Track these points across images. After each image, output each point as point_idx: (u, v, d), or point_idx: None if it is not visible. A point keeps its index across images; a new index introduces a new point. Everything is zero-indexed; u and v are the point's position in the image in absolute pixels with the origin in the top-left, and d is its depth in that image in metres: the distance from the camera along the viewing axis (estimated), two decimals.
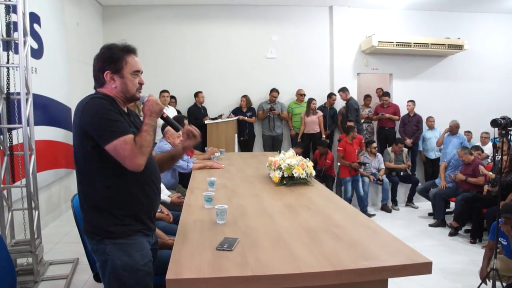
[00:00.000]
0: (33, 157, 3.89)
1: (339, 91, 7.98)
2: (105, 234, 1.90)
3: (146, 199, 2.01)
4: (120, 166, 1.83)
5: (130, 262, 1.90)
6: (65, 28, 6.06)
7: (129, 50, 1.98)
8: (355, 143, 6.78)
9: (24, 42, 3.75)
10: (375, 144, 7.17)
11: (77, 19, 6.67)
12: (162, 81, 7.72)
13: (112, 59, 1.94)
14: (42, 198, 5.06)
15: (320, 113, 7.99)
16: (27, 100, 3.78)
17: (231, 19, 8.34)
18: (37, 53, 4.99)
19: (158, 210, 3.07)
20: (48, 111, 5.24)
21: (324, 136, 7.93)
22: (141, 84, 2.03)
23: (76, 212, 2.47)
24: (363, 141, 7.17)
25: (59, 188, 5.80)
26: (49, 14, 5.44)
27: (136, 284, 1.92)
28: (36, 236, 3.78)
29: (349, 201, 6.58)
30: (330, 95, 8.19)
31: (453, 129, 7.52)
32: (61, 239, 5.00)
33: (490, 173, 5.51)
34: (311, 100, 7.88)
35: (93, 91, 2.01)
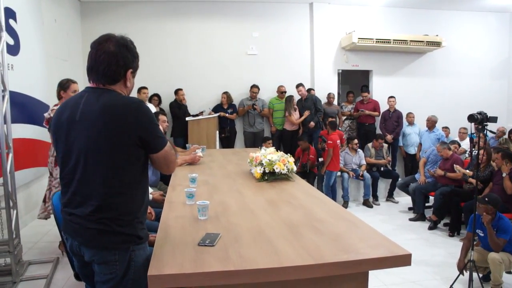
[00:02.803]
0: (10, 155, 3.81)
1: (299, 86, 7.95)
2: (134, 240, 1.81)
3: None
4: (147, 172, 1.86)
5: (147, 264, 1.83)
6: (42, 25, 5.95)
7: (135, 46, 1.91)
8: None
9: None
10: (356, 141, 7.23)
11: (54, 15, 6.55)
12: (142, 77, 7.54)
13: (135, 56, 1.86)
14: (21, 197, 4.97)
15: (297, 108, 7.99)
16: (3, 97, 3.71)
17: (211, 16, 8.30)
18: (13, 50, 4.89)
19: None
20: (25, 108, 5.13)
21: (301, 130, 7.94)
22: None
23: (56, 211, 2.43)
24: (344, 137, 7.21)
25: (38, 187, 5.69)
26: (26, 10, 5.34)
27: (143, 285, 1.89)
28: (14, 236, 3.71)
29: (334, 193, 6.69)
30: (297, 86, 8.01)
31: (431, 125, 7.66)
32: (40, 238, 4.92)
33: (467, 171, 5.61)
34: (291, 97, 7.87)
35: None
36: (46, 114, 4.25)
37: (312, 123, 7.70)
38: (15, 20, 4.97)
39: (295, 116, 7.82)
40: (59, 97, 4.25)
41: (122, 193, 1.77)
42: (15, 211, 3.83)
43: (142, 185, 1.87)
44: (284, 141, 8.05)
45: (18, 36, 5.03)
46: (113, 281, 1.80)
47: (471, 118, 3.84)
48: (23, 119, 5.05)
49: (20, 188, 4.91)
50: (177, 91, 7.81)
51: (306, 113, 7.74)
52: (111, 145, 1.71)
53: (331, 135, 6.68)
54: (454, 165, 5.80)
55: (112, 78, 1.81)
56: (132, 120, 1.71)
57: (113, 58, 1.78)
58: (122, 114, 1.71)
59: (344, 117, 8.63)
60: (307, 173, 7.03)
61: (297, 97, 8.06)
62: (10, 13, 4.81)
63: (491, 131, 4.15)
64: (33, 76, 5.48)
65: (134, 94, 6.85)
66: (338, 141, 6.75)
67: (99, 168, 1.74)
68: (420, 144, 7.93)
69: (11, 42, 4.84)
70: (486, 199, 3.81)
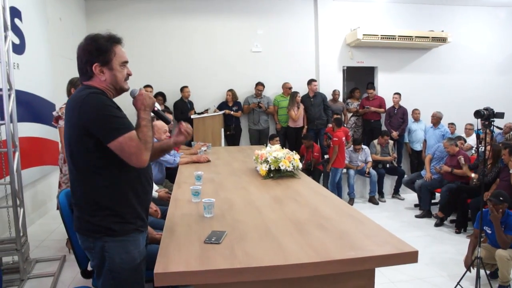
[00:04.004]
0: (17, 154, 3.83)
1: (312, 82, 8.00)
2: (106, 232, 1.86)
3: (144, 194, 2.02)
4: (121, 164, 1.83)
5: (128, 259, 1.90)
6: (48, 23, 5.96)
7: (116, 41, 1.94)
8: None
9: (5, 37, 3.68)
10: (359, 146, 7.13)
11: (59, 14, 6.57)
12: (147, 75, 7.67)
13: (100, 51, 1.88)
14: (27, 196, 4.99)
15: (302, 105, 7.97)
16: (9, 96, 3.73)
17: (216, 13, 8.29)
18: (19, 49, 4.90)
19: None
20: (31, 107, 5.16)
21: (305, 128, 7.93)
22: (129, 75, 2.00)
23: (63, 209, 2.44)
24: (349, 133, 7.20)
25: (44, 185, 5.72)
26: (31, 9, 5.35)
27: (132, 281, 1.93)
28: (21, 234, 3.73)
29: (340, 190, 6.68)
30: (310, 82, 8.05)
31: (435, 121, 7.61)
32: (47, 236, 4.95)
33: (473, 174, 5.55)
34: (295, 93, 7.84)
35: None
36: (54, 113, 4.28)
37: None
38: (20, 19, 4.99)
39: (296, 112, 7.80)
40: (70, 94, 4.28)
41: (81, 180, 1.89)
42: (22, 210, 3.85)
43: (111, 177, 1.87)
44: (289, 138, 8.04)
45: (23, 35, 5.04)
46: (96, 267, 1.95)
47: (477, 114, 3.80)
48: (29, 117, 5.07)
49: (27, 186, 4.93)
50: (182, 88, 7.82)
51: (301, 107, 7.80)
52: (68, 136, 1.86)
53: (336, 132, 6.66)
54: (458, 157, 5.78)
55: (83, 74, 1.93)
56: (78, 111, 1.78)
57: (78, 57, 1.92)
58: (73, 107, 1.82)
59: (350, 114, 8.61)
60: (311, 170, 7.01)
61: (303, 93, 8.07)
62: (15, 12, 4.82)
63: (498, 127, 4.12)
64: (39, 75, 5.50)
65: None
66: (344, 138, 6.72)
67: (68, 157, 1.90)
68: (425, 140, 7.89)
69: (17, 41, 4.86)
70: (501, 198, 3.76)
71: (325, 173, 7.04)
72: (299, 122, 7.92)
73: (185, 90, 7.84)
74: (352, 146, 7.22)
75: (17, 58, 4.73)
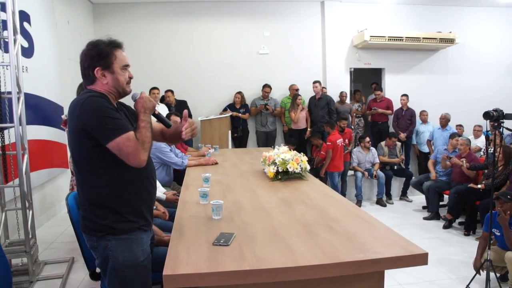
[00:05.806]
0: (25, 156, 3.85)
1: (314, 83, 7.93)
2: (108, 230, 1.90)
3: (146, 193, 2.04)
4: (121, 163, 1.85)
5: (131, 257, 1.91)
6: (56, 27, 6.01)
7: (116, 45, 1.98)
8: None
9: (14, 41, 3.71)
10: (367, 139, 7.15)
11: (67, 17, 6.62)
12: (154, 78, 7.71)
13: (101, 55, 1.92)
14: (36, 198, 5.03)
15: (305, 107, 7.98)
16: (18, 99, 3.75)
17: (222, 15, 8.32)
18: (27, 52, 4.94)
19: (154, 208, 3.06)
20: (40, 110, 5.19)
21: (309, 131, 7.91)
22: (130, 78, 2.04)
23: (71, 211, 2.46)
24: (352, 134, 7.18)
25: (53, 187, 5.76)
26: (39, 13, 5.40)
27: (137, 280, 1.94)
28: (30, 236, 3.75)
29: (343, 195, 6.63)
30: (312, 84, 7.99)
31: (444, 123, 7.56)
32: (55, 238, 4.97)
33: (479, 186, 5.49)
34: (297, 95, 7.84)
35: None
36: (63, 116, 4.31)
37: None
38: (29, 23, 5.03)
39: (295, 114, 7.80)
40: None
41: (84, 181, 1.94)
42: (30, 212, 3.87)
43: (112, 177, 1.90)
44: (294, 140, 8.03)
45: (32, 38, 5.09)
46: (100, 266, 2.00)
47: (486, 115, 3.76)
48: (37, 120, 5.11)
49: (35, 189, 4.97)
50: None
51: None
52: (70, 139, 1.92)
53: (330, 135, 6.65)
54: (461, 159, 5.75)
55: (87, 79, 1.98)
56: (77, 114, 1.83)
57: (81, 62, 1.98)
58: (72, 110, 1.87)
59: (355, 115, 8.60)
60: (318, 171, 6.97)
61: (310, 94, 8.06)
62: (24, 16, 4.86)
63: (507, 129, 4.08)
64: (47, 78, 5.54)
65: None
66: (339, 141, 6.67)
67: (72, 159, 2.00)
68: (429, 140, 7.82)
69: (26, 44, 4.90)
70: (509, 196, 3.73)
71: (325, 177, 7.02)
72: (301, 123, 7.91)
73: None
74: (358, 147, 7.19)
75: (25, 62, 4.77)
